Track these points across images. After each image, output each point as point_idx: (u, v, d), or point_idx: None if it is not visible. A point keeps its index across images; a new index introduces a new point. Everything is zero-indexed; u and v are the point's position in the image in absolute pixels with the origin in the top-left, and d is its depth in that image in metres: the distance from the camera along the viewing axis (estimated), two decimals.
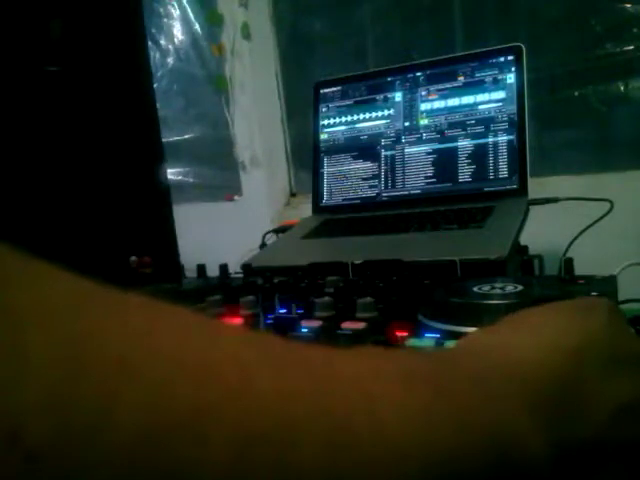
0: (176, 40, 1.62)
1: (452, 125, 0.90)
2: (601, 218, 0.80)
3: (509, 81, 0.87)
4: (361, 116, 0.97)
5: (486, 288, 0.46)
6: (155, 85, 1.33)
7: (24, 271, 0.15)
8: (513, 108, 0.86)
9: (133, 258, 0.76)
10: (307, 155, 1.03)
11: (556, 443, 0.21)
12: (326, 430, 0.16)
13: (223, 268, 0.71)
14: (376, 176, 0.94)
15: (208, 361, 0.15)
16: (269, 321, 0.50)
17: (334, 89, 1.00)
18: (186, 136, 1.65)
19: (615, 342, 0.26)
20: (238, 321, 0.50)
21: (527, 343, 0.24)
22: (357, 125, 0.97)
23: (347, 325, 0.45)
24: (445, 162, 0.89)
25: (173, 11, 1.60)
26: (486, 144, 0.87)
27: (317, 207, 0.99)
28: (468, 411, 0.20)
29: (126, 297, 0.16)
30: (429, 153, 0.91)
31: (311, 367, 0.18)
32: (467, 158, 0.88)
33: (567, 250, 0.80)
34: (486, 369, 0.22)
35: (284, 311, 0.53)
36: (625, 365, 0.25)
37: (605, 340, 0.25)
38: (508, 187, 0.85)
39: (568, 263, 0.53)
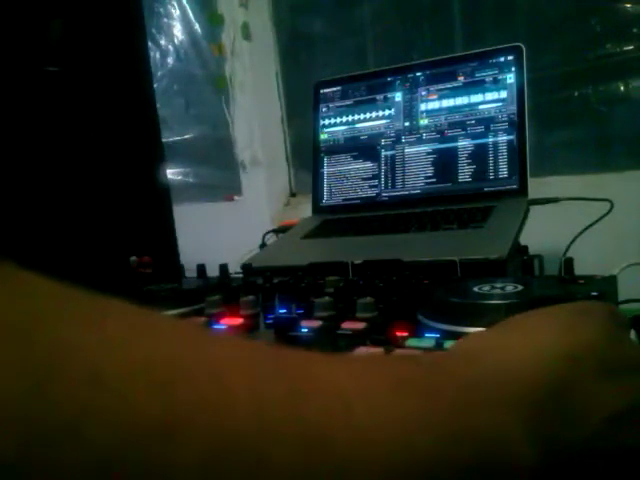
0: (176, 40, 1.62)
1: (452, 125, 0.90)
2: (601, 218, 0.80)
3: (509, 81, 0.87)
4: (361, 116, 0.97)
5: (486, 288, 0.46)
6: (155, 85, 1.33)
7: (3, 280, 0.14)
8: (513, 108, 0.86)
9: (133, 258, 0.76)
10: (307, 155, 1.03)
11: (547, 450, 0.21)
12: (301, 436, 0.16)
13: (223, 268, 0.71)
14: (376, 176, 0.94)
15: (182, 371, 0.15)
16: (269, 321, 0.50)
17: (334, 89, 1.00)
18: (186, 136, 1.65)
19: (611, 348, 0.25)
20: (238, 321, 0.50)
21: (521, 348, 0.24)
22: (357, 125, 0.97)
23: (347, 325, 0.45)
24: (445, 162, 0.89)
25: (173, 11, 1.60)
26: (486, 144, 0.87)
27: (317, 207, 0.99)
28: (454, 417, 0.19)
29: (106, 304, 0.16)
30: (429, 153, 0.91)
31: (289, 373, 0.18)
32: (467, 158, 0.88)
33: (567, 250, 0.80)
34: (477, 375, 0.22)
35: (284, 311, 0.53)
36: (621, 371, 0.24)
37: (601, 346, 0.25)
38: (508, 187, 0.85)
39: (568, 263, 0.53)
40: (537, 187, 0.86)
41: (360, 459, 0.17)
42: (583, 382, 0.23)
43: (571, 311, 0.28)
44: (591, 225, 0.81)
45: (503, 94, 0.87)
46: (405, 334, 0.41)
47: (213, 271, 0.72)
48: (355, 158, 0.97)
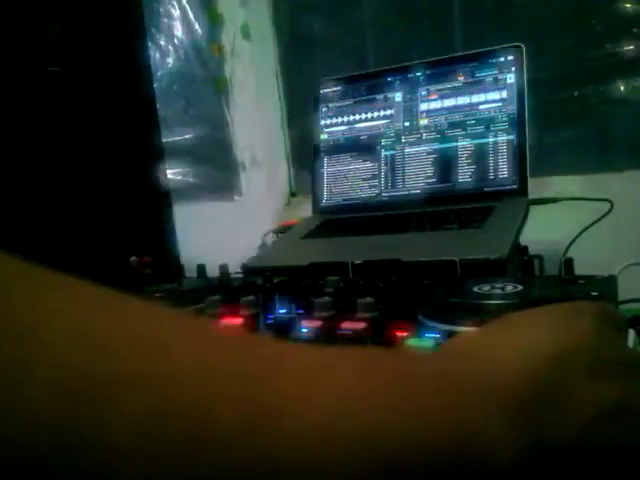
0: (176, 40, 1.62)
1: (452, 125, 0.90)
2: (601, 218, 0.80)
3: (509, 81, 0.87)
4: (361, 116, 0.97)
5: (486, 288, 0.46)
6: (155, 85, 1.33)
7: None
8: (513, 108, 0.86)
9: (133, 258, 0.76)
10: (307, 155, 1.03)
11: (527, 448, 0.21)
12: (249, 402, 0.16)
13: (223, 268, 0.71)
14: (376, 176, 0.94)
15: (129, 336, 0.15)
16: (269, 321, 0.50)
17: (334, 89, 1.00)
18: (186, 136, 1.65)
19: (601, 347, 0.25)
20: (238, 321, 0.50)
21: (509, 346, 0.24)
22: (357, 125, 0.97)
23: (347, 325, 0.45)
24: (445, 162, 0.89)
25: (173, 11, 1.60)
26: (486, 144, 0.87)
27: (317, 207, 0.99)
28: (426, 404, 0.19)
29: (53, 277, 0.16)
30: (429, 153, 0.91)
31: (240, 348, 0.18)
32: (467, 158, 0.88)
33: (567, 250, 0.80)
34: (460, 370, 0.22)
35: (284, 311, 0.53)
36: (610, 370, 0.24)
37: (591, 345, 0.25)
38: (508, 187, 0.85)
39: (568, 263, 0.53)
40: (537, 187, 0.86)
41: (313, 437, 0.16)
42: (570, 382, 0.23)
43: (563, 310, 0.28)
44: (591, 225, 0.81)
45: (503, 94, 0.87)
46: (405, 334, 0.41)
47: (213, 271, 0.72)
48: (355, 158, 0.97)
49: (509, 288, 0.45)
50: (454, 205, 0.85)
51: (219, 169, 1.62)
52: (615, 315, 0.29)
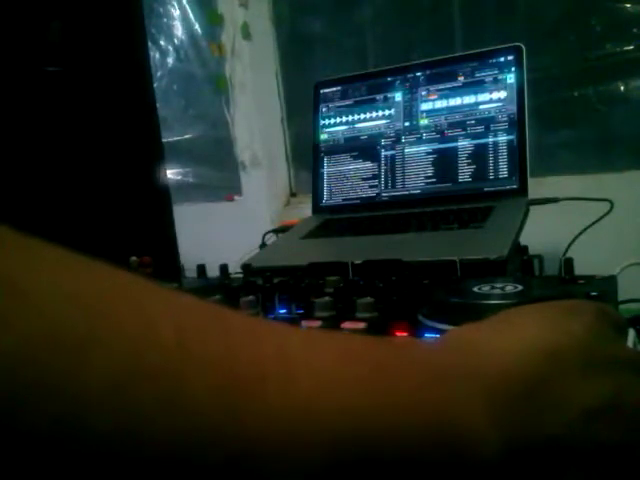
0: (176, 40, 1.62)
1: (452, 125, 0.90)
2: (601, 218, 0.80)
3: (509, 81, 0.87)
4: (361, 116, 0.97)
5: (486, 288, 0.46)
6: (155, 85, 1.33)
7: None
8: (513, 108, 0.86)
9: (133, 258, 0.76)
10: (307, 155, 1.03)
11: (512, 442, 0.21)
12: (223, 383, 0.16)
13: (223, 268, 0.71)
14: (376, 176, 0.94)
15: (107, 298, 0.16)
16: None
17: (334, 89, 1.00)
18: (186, 136, 1.65)
19: (595, 345, 0.25)
20: None
21: (503, 341, 0.24)
22: (357, 125, 0.97)
23: (347, 325, 0.45)
24: (445, 162, 0.89)
25: (173, 11, 1.60)
26: (486, 144, 0.87)
27: (317, 207, 0.99)
28: (405, 391, 0.20)
29: (43, 246, 0.17)
30: (429, 153, 0.91)
31: (221, 322, 0.18)
32: (467, 158, 0.88)
33: (567, 250, 0.80)
34: (445, 361, 0.23)
35: (284, 311, 0.53)
36: (602, 369, 0.24)
37: (585, 342, 0.25)
38: (508, 187, 0.85)
39: (568, 263, 0.53)
40: (537, 187, 0.86)
41: (291, 414, 0.17)
42: (561, 379, 0.23)
43: (560, 308, 0.28)
44: (591, 225, 0.81)
45: (503, 94, 0.87)
46: (405, 334, 0.41)
47: (213, 271, 0.72)
48: (355, 158, 0.97)
49: (509, 288, 0.45)
50: (454, 205, 0.85)
51: (219, 169, 1.62)
52: (613, 315, 0.29)
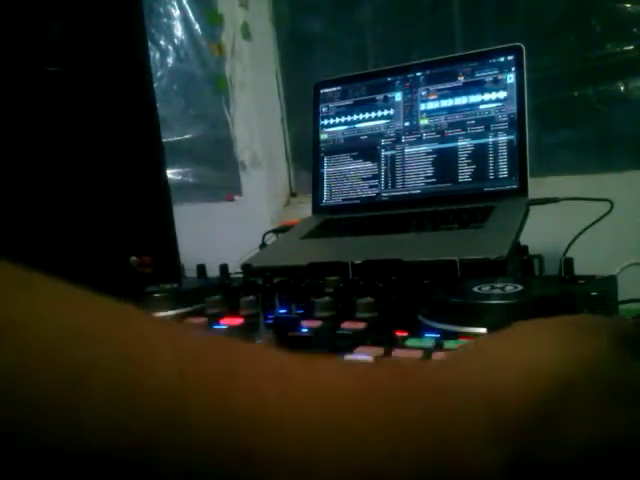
0: (176, 40, 1.62)
1: (452, 125, 0.90)
2: (601, 218, 0.80)
3: (509, 81, 0.87)
4: (361, 116, 0.97)
5: (486, 288, 0.46)
6: (155, 85, 1.33)
7: None
8: (513, 108, 0.86)
9: (133, 258, 0.76)
10: (307, 155, 1.03)
11: (518, 468, 0.20)
12: (220, 411, 0.16)
13: (223, 268, 0.71)
14: (376, 176, 0.94)
15: (108, 330, 0.17)
16: (269, 321, 0.50)
17: (334, 89, 1.00)
18: (186, 136, 1.65)
19: (613, 374, 0.23)
20: (238, 321, 0.50)
21: (514, 360, 0.23)
22: (357, 125, 0.97)
23: (347, 325, 0.45)
24: (445, 162, 0.89)
25: (173, 11, 1.60)
26: (486, 144, 0.87)
27: (317, 207, 0.99)
28: (405, 423, 0.20)
29: (43, 282, 0.17)
30: (429, 153, 0.91)
31: (220, 348, 0.19)
32: (467, 158, 0.88)
33: (567, 250, 0.80)
34: (449, 384, 0.22)
35: (284, 311, 0.53)
36: (619, 401, 0.22)
37: (602, 370, 0.23)
38: (508, 187, 0.85)
39: (568, 263, 0.53)
40: (537, 187, 0.86)
41: (292, 431, 0.17)
42: (576, 407, 0.21)
43: (576, 326, 0.26)
44: (591, 225, 0.81)
45: (503, 94, 0.87)
46: (405, 334, 0.41)
47: (213, 271, 0.72)
48: (355, 158, 0.97)
49: (509, 288, 0.45)
50: (454, 205, 0.85)
51: (219, 169, 1.62)
52: (632, 335, 0.26)
